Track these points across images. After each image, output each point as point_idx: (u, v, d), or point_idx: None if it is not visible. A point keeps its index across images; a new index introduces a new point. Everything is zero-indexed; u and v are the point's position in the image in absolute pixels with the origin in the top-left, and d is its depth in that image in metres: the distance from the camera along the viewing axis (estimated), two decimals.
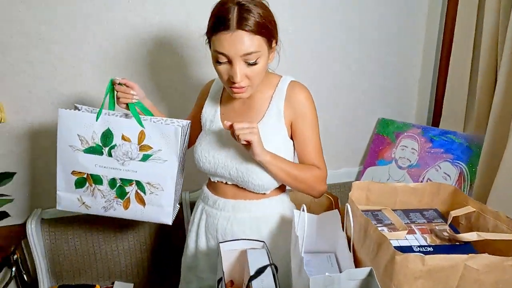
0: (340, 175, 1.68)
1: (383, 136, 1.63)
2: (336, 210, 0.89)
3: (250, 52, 0.80)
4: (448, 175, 1.41)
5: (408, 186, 0.82)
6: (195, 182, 1.36)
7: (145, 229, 1.44)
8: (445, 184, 0.81)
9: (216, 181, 1.01)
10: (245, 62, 0.82)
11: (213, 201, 1.01)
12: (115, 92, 0.94)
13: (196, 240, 1.06)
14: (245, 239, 0.88)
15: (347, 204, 0.75)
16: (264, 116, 0.94)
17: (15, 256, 1.33)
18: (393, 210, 0.80)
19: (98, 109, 0.92)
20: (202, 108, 1.03)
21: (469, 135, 1.40)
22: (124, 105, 0.95)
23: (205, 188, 1.06)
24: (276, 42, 0.89)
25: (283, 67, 1.43)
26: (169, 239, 1.44)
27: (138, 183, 0.95)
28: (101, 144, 0.92)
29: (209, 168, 0.97)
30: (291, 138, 0.97)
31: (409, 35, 1.58)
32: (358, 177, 1.69)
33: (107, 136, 0.92)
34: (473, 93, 1.38)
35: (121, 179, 0.95)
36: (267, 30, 0.83)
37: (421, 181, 1.47)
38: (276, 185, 0.97)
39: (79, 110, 0.94)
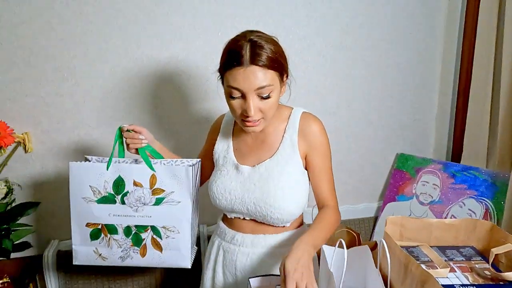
0: (359, 211, 1.65)
1: (403, 171, 1.62)
2: (366, 245, 0.87)
3: (264, 86, 0.82)
4: (473, 212, 1.37)
5: (444, 222, 0.81)
6: (213, 215, 1.34)
7: None
8: (482, 220, 0.79)
9: (233, 217, 0.99)
10: (259, 96, 0.83)
11: (231, 236, 0.99)
12: (124, 139, 0.95)
13: (213, 277, 1.03)
14: (273, 275, 0.85)
15: (382, 239, 0.73)
16: (278, 149, 0.94)
17: None
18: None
19: (108, 158, 0.93)
20: (214, 144, 1.03)
21: (493, 171, 1.39)
22: (134, 151, 0.95)
23: (221, 223, 1.04)
24: (287, 76, 0.91)
25: (302, 100, 1.45)
26: (184, 275, 1.40)
27: (154, 228, 0.93)
28: (113, 193, 0.92)
29: (225, 205, 0.96)
30: (305, 168, 0.96)
31: (426, 71, 1.61)
32: (378, 213, 1.66)
33: (118, 183, 0.92)
34: (495, 129, 1.38)
35: (136, 226, 0.93)
36: (279, 64, 0.85)
37: (445, 218, 1.44)
38: (295, 217, 0.95)
39: (89, 161, 0.95)
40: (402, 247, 0.81)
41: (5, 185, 1.15)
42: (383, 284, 0.75)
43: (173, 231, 0.93)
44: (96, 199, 0.92)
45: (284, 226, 0.96)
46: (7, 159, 1.25)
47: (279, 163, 0.92)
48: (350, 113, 1.56)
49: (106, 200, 0.92)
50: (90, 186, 0.92)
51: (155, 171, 0.91)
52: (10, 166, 1.26)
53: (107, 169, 0.91)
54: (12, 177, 1.26)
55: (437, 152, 1.70)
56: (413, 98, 1.63)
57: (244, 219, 0.97)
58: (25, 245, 1.12)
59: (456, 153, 1.60)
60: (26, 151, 1.28)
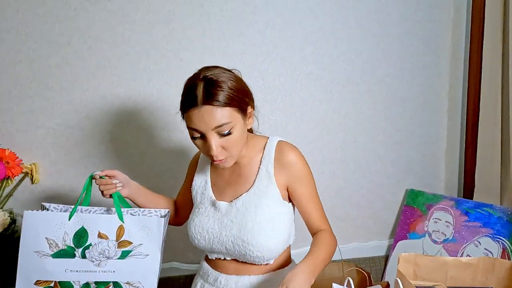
0: (369, 249, 1.60)
1: (413, 208, 1.58)
2: (379, 285, 0.83)
3: (221, 124, 0.79)
4: (490, 252, 1.31)
5: (460, 260, 0.77)
6: None
7: None
8: (501, 259, 0.75)
9: (214, 258, 0.94)
10: (219, 134, 0.81)
11: (214, 278, 0.93)
12: (98, 186, 0.90)
13: None
14: None
15: (397, 278, 0.70)
16: (254, 182, 0.90)
17: None
18: None
19: (68, 206, 0.88)
20: (192, 181, 1.00)
21: (508, 208, 1.34)
22: (109, 196, 0.91)
23: (204, 263, 0.98)
24: (253, 107, 0.89)
25: (310, 135, 1.45)
26: None
27: (116, 284, 0.86)
28: (73, 246, 0.85)
29: (204, 245, 0.91)
30: (290, 200, 0.93)
31: (433, 106, 1.62)
32: (389, 251, 1.60)
33: (80, 235, 0.85)
34: (507, 164, 1.36)
35: (96, 283, 0.86)
36: (237, 100, 0.82)
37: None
38: (277, 253, 0.90)
39: (47, 209, 0.89)
40: (417, 287, 0.76)
41: (8, 216, 1.14)
42: None
43: (137, 287, 0.86)
44: (52, 253, 0.84)
45: (267, 264, 0.91)
46: (13, 189, 1.25)
47: (255, 196, 0.89)
48: (358, 148, 1.55)
49: (64, 254, 0.84)
50: (46, 238, 0.84)
51: (123, 222, 0.85)
52: (16, 197, 1.26)
53: (69, 219, 0.85)
54: (17, 208, 1.25)
55: (448, 187, 1.66)
56: (421, 132, 1.62)
57: (225, 259, 0.92)
58: None
59: (468, 188, 1.56)
60: (32, 182, 1.28)
